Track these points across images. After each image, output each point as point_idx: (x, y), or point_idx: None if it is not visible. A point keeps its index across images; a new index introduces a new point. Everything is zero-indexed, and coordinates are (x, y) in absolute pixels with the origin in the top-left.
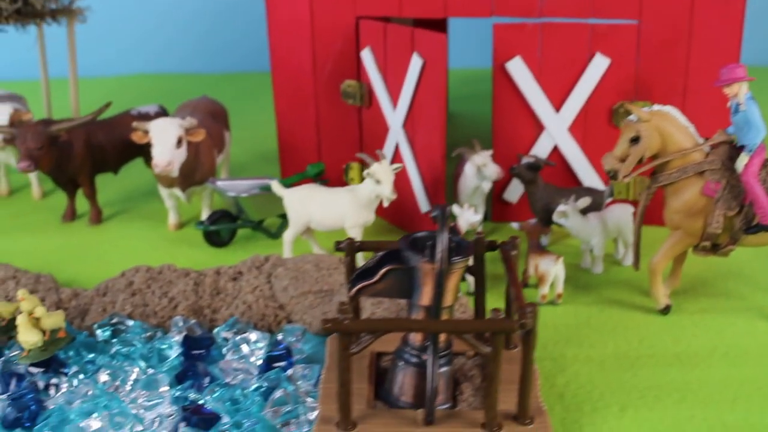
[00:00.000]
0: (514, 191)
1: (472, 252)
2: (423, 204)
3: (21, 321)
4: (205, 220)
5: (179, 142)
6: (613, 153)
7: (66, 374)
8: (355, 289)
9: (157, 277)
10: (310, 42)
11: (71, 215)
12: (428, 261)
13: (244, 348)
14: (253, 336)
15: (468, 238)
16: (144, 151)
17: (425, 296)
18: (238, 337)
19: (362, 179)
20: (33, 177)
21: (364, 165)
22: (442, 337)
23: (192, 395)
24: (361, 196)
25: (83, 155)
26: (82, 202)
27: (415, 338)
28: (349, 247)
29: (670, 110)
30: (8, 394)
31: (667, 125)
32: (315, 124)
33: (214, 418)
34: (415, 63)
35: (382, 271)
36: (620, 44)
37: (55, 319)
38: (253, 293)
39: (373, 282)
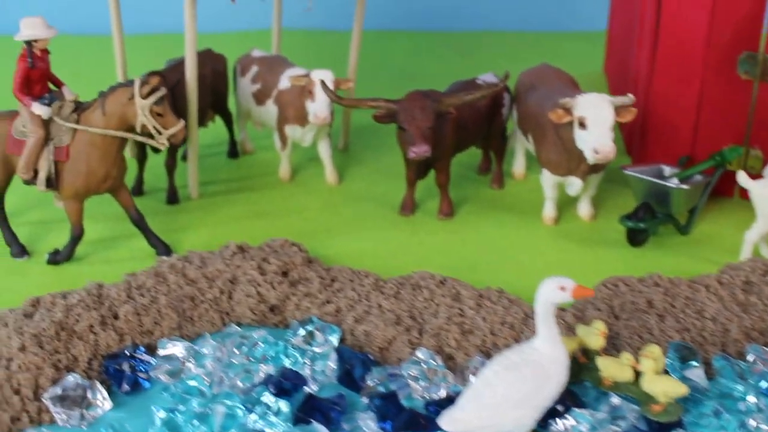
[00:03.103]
0: None
1: None
2: None
3: (646, 366)
4: (632, 216)
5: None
6: None
7: None
8: None
9: (664, 290)
10: (710, 6)
11: (411, 207)
12: None
13: None
14: None
15: None
16: (487, 129)
17: None
18: None
19: (762, 167)
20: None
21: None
22: None
23: None
24: None
25: (451, 135)
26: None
27: None
28: None
29: None
30: None
31: None
32: (697, 101)
33: None
34: None
35: None
36: None
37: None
38: None
39: None
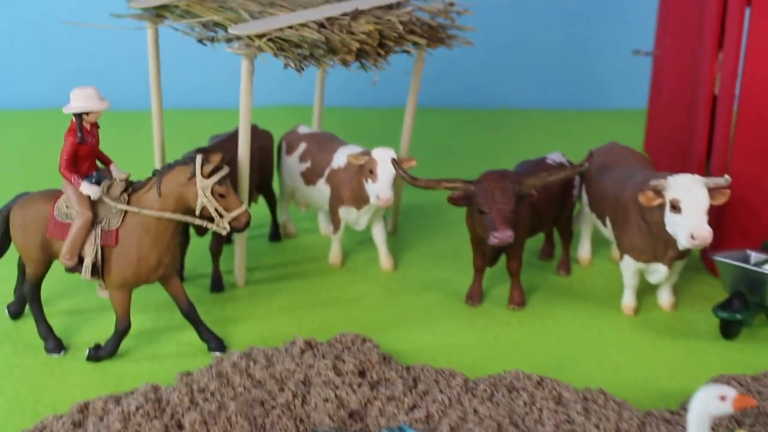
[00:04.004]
0: None
1: None
2: None
3: None
4: (727, 306)
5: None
6: None
7: None
8: None
9: None
10: None
11: (479, 296)
12: None
13: None
14: None
15: None
16: (558, 212)
17: None
18: None
19: None
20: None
21: None
22: None
23: None
24: None
25: (528, 218)
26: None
27: None
28: None
29: None
30: None
31: None
32: None
33: None
34: None
35: None
36: None
37: None
38: None
39: None
